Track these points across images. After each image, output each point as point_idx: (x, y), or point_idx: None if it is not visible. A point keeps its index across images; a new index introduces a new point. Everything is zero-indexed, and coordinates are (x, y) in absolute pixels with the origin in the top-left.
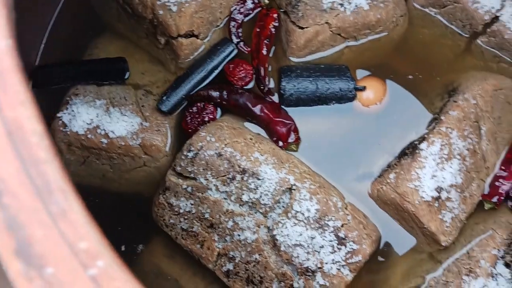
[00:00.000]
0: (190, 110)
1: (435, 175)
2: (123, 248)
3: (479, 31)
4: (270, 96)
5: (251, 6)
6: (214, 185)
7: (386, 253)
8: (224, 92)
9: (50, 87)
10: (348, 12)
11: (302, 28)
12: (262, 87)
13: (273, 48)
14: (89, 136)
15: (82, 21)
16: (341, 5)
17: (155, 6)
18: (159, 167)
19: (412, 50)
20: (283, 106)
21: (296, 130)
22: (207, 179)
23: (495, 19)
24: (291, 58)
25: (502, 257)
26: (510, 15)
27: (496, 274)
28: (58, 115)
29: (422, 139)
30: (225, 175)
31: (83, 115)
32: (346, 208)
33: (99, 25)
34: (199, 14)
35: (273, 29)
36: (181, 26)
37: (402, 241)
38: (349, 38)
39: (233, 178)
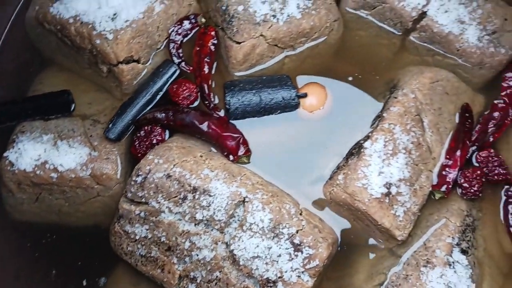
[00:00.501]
0: (138, 135)
1: (382, 171)
2: (84, 282)
3: (409, 27)
4: (217, 112)
5: (189, 26)
6: (167, 207)
7: (347, 254)
8: (170, 113)
9: None
10: (281, 23)
11: (238, 43)
12: (207, 104)
13: (216, 64)
14: (37, 172)
15: (24, 58)
16: (274, 16)
17: (91, 36)
18: (113, 196)
19: (351, 53)
20: (230, 120)
21: (245, 143)
22: (159, 202)
23: (423, 14)
24: (234, 73)
25: (458, 244)
26: (437, 9)
27: (453, 262)
28: (5, 154)
29: (367, 137)
30: (177, 196)
31: (30, 151)
32: (300, 214)
33: (42, 60)
34: (136, 39)
35: (212, 47)
36: (119, 53)
37: (362, 241)
38: (286, 48)
39: (185, 197)
